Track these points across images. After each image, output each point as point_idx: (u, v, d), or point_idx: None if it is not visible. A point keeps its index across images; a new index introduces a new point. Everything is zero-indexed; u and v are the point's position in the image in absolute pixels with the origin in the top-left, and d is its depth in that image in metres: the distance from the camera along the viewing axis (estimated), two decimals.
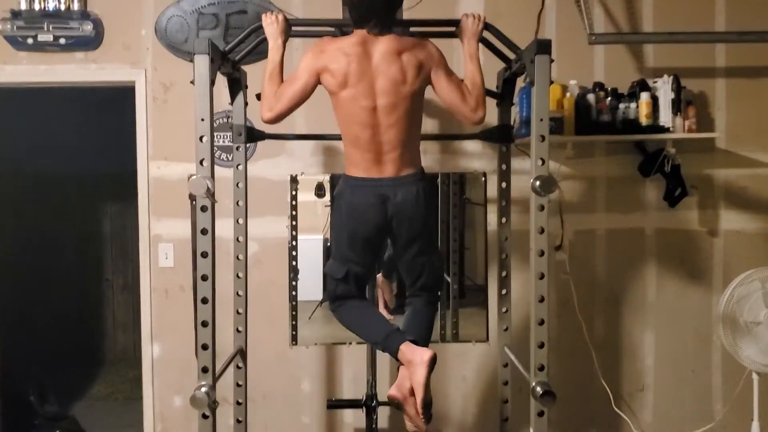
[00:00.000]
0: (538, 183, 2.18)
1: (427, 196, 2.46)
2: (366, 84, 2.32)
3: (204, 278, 2.23)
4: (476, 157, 3.47)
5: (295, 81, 2.38)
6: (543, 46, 2.21)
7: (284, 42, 2.48)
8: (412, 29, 2.62)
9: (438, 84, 2.41)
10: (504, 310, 2.88)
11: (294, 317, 3.47)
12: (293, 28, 2.56)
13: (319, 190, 3.45)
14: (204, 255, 2.23)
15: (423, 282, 2.53)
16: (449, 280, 3.52)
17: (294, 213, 3.45)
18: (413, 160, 2.44)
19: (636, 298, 3.56)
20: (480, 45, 2.53)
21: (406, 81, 2.33)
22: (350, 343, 3.44)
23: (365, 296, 2.64)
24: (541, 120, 2.20)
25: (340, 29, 2.57)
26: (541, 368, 2.19)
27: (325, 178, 3.45)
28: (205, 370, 2.23)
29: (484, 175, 3.44)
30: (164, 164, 3.44)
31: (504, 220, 2.87)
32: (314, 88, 2.40)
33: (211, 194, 2.18)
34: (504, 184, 2.90)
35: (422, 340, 2.42)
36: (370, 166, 2.38)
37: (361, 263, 2.47)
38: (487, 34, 2.54)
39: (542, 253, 2.20)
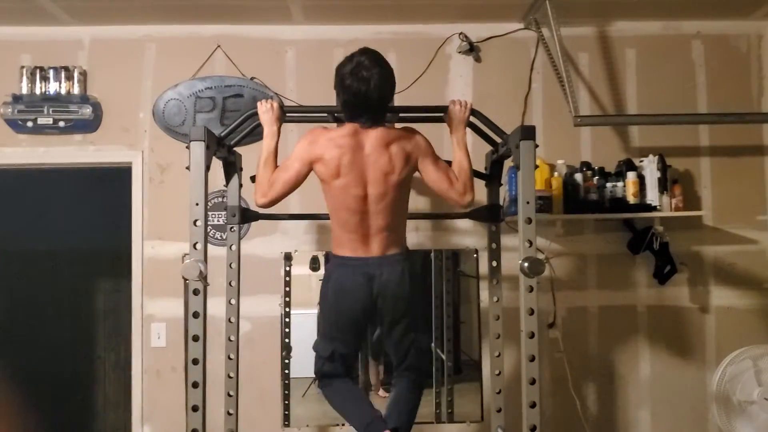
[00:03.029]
0: (526, 264, 2.21)
1: (412, 276, 2.51)
2: (357, 174, 2.38)
3: (195, 362, 2.23)
4: (468, 234, 3.51)
5: (288, 169, 2.43)
6: (528, 132, 2.27)
7: (279, 128, 2.54)
8: (402, 115, 2.70)
9: (425, 172, 2.48)
10: (497, 390, 2.86)
11: (287, 396, 3.43)
12: (287, 114, 2.64)
13: (314, 264, 3.47)
14: (195, 338, 2.23)
15: (409, 362, 2.56)
16: (444, 357, 3.50)
17: (287, 289, 3.46)
18: (398, 241, 2.50)
19: (630, 376, 3.54)
20: (468, 129, 2.61)
21: (394, 171, 2.40)
22: (343, 425, 3.36)
23: (351, 375, 2.67)
24: (528, 203, 2.25)
25: (333, 116, 2.64)
26: None
27: (320, 253, 3.47)
28: None
29: (476, 252, 3.48)
30: (158, 244, 3.46)
31: (495, 299, 2.89)
32: (306, 176, 2.46)
33: (203, 278, 2.21)
34: (494, 263, 2.93)
35: (404, 426, 2.46)
36: (357, 246, 2.44)
37: (346, 343, 2.52)
38: (474, 119, 2.62)
39: (532, 335, 2.21)
